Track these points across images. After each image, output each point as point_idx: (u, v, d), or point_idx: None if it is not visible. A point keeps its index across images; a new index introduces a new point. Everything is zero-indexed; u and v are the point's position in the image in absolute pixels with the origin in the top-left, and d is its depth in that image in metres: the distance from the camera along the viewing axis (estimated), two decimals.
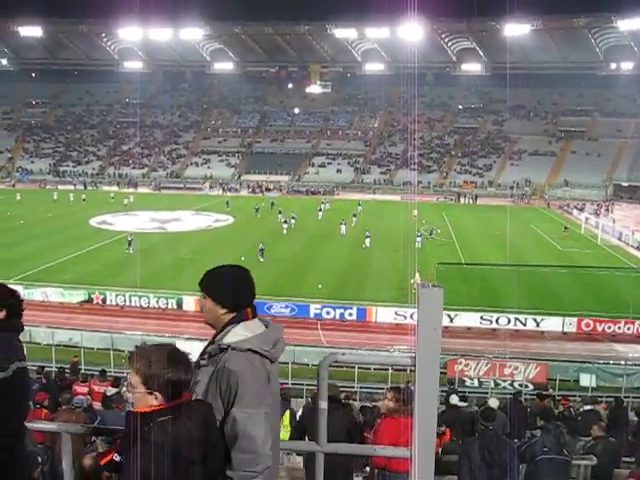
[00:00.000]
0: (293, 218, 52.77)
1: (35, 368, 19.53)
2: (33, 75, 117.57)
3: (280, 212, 57.93)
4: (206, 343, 3.45)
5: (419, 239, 45.05)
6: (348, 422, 8.53)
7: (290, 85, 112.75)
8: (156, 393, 2.88)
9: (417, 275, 35.14)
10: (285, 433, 11.57)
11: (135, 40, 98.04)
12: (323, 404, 3.46)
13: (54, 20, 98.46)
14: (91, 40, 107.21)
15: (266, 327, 3.44)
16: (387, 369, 21.78)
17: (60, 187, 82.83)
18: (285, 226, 50.05)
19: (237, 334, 3.28)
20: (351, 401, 16.05)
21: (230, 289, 3.40)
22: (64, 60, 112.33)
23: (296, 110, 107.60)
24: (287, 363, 23.97)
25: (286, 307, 31.24)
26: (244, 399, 3.11)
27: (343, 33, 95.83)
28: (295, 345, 25.48)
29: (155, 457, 2.73)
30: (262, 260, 40.75)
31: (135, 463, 2.74)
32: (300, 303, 31.62)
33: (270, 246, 43.05)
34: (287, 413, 12.00)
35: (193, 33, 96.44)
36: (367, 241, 46.02)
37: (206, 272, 3.49)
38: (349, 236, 48.83)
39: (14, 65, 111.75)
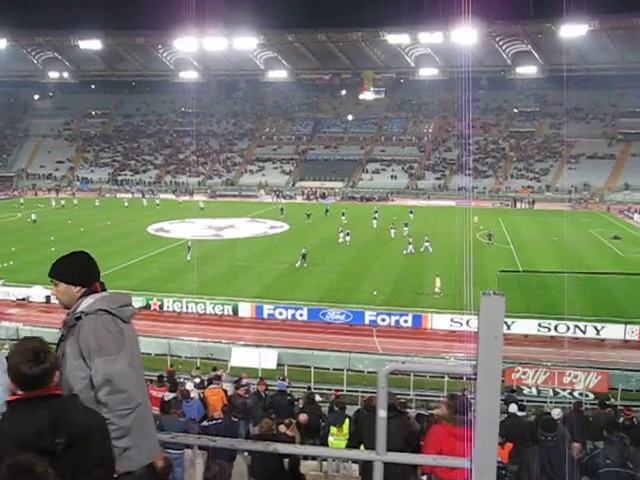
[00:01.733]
0: (346, 232, 51.78)
1: None
2: (93, 87, 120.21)
3: (343, 214, 60.34)
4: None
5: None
6: (405, 430, 8.46)
7: (343, 92, 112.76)
8: (15, 384, 3.09)
9: (437, 280, 34.97)
10: (343, 441, 11.53)
11: (190, 51, 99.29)
12: (382, 413, 3.43)
13: (112, 33, 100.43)
14: (148, 52, 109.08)
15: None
16: (443, 376, 21.56)
17: (118, 195, 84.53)
18: (342, 235, 49.73)
19: (87, 303, 3.66)
20: (407, 409, 15.91)
21: (76, 269, 3.85)
22: (122, 72, 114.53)
23: (349, 117, 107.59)
24: (342, 370, 23.94)
25: (341, 314, 31.18)
26: (103, 350, 3.45)
27: (396, 39, 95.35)
28: (350, 352, 25.44)
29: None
30: (304, 265, 40.89)
31: None
32: (355, 310, 31.54)
33: (324, 252, 43.09)
34: (347, 421, 11.96)
35: (247, 42, 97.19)
36: (425, 245, 45.91)
37: (52, 264, 3.92)
38: (404, 242, 48.45)
39: (75, 78, 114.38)
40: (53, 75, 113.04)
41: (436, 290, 34.63)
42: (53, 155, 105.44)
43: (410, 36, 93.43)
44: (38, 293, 34.96)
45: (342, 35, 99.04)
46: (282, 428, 11.24)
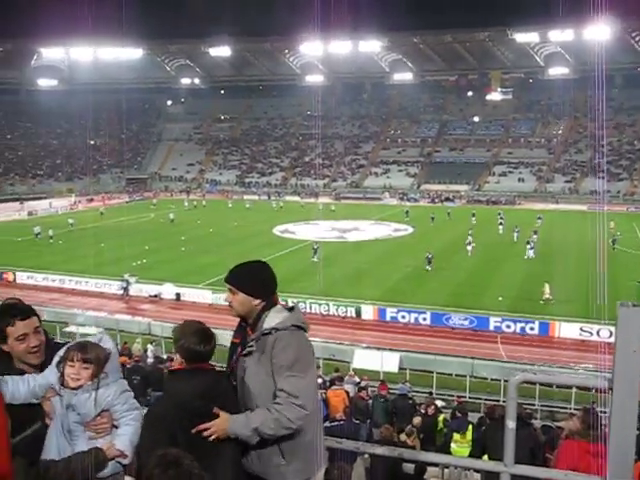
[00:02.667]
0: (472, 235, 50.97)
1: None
2: (222, 92, 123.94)
3: (473, 215, 60.58)
4: (235, 331, 4.03)
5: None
6: (531, 441, 8.25)
7: (470, 93, 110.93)
8: (178, 357, 3.68)
9: (546, 286, 33.66)
10: (466, 449, 11.35)
11: (316, 54, 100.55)
12: (511, 424, 3.34)
13: (241, 40, 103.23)
14: (275, 57, 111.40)
15: (289, 309, 3.87)
16: (571, 388, 20.79)
17: (245, 197, 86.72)
18: (470, 239, 48.91)
19: (275, 317, 3.71)
20: (532, 419, 15.45)
21: (260, 282, 3.85)
22: (250, 77, 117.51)
23: (476, 118, 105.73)
24: (465, 376, 23.55)
25: (465, 319, 30.70)
26: (295, 367, 3.53)
27: (525, 37, 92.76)
28: (473, 358, 24.99)
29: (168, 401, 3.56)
30: (429, 269, 40.54)
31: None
32: (479, 315, 30.97)
33: (449, 256, 42.56)
34: (470, 428, 11.76)
35: (372, 45, 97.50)
36: (530, 252, 44.76)
37: (232, 269, 3.93)
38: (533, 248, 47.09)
39: (205, 83, 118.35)
40: (185, 81, 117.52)
41: (546, 296, 33.63)
42: (184, 158, 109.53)
43: (539, 34, 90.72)
44: (169, 290, 36.41)
45: (468, 35, 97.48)
46: (403, 437, 11.17)
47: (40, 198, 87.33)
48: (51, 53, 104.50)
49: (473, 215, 61.88)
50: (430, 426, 13.42)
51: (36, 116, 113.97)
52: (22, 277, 41.30)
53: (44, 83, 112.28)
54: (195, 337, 3.60)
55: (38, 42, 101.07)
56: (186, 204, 76.29)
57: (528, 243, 45.40)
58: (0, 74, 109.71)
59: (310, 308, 33.36)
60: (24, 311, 3.42)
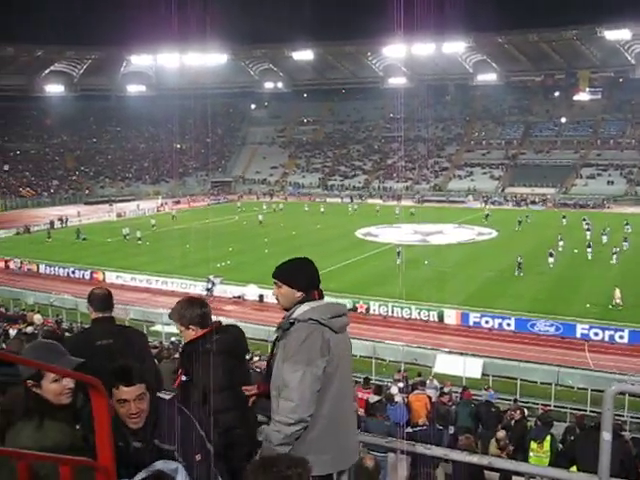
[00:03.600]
0: (561, 240, 48.85)
1: None
2: (305, 95, 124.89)
3: (564, 217, 59.75)
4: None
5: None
6: (622, 453, 7.94)
7: (556, 93, 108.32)
8: (191, 327, 4.46)
9: (617, 291, 32.43)
10: (545, 459, 11.01)
11: (399, 57, 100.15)
12: (607, 436, 3.21)
13: (324, 44, 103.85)
14: (357, 60, 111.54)
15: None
16: None
17: (328, 200, 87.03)
18: (561, 243, 47.55)
19: (301, 309, 3.94)
20: (622, 431, 14.91)
21: (301, 274, 4.14)
22: (332, 80, 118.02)
23: (563, 119, 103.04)
24: (550, 384, 22.97)
25: (551, 325, 29.93)
26: (293, 357, 3.77)
27: (615, 35, 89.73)
28: (559, 366, 24.35)
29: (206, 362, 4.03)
30: (519, 274, 39.74)
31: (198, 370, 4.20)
32: (566, 322, 30.14)
33: (534, 261, 41.63)
34: (548, 438, 11.41)
35: (455, 46, 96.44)
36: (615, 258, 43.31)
37: (277, 266, 4.22)
38: (618, 253, 45.53)
39: (288, 87, 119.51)
40: (268, 85, 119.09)
41: (616, 301, 32.55)
42: (267, 161, 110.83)
43: (631, 31, 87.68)
44: (252, 292, 36.83)
45: (555, 34, 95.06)
46: (493, 449, 10.94)
47: (128, 200, 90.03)
48: (139, 60, 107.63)
49: (564, 217, 60.78)
50: (520, 434, 13.10)
51: (125, 121, 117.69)
52: (111, 277, 42.60)
53: (133, 89, 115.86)
54: (194, 306, 4.54)
55: (127, 50, 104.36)
56: (264, 207, 76.96)
57: (614, 249, 44.02)
58: (91, 81, 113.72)
59: (392, 312, 33.23)
60: (130, 377, 3.48)
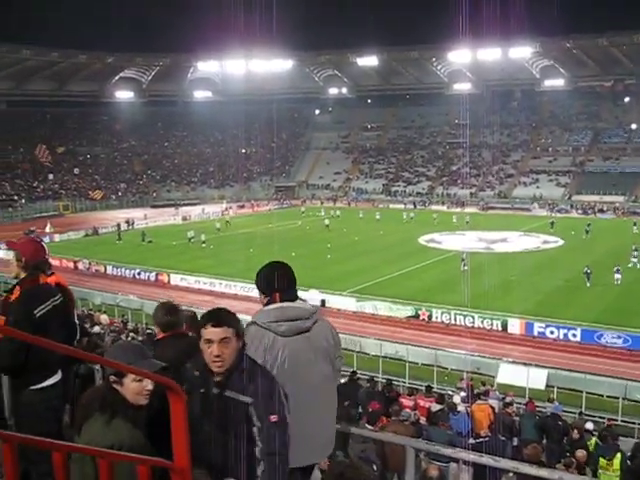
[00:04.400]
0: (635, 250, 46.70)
1: (366, 377, 20.54)
2: (369, 101, 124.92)
3: (635, 224, 58.36)
4: None
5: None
6: None
7: (626, 99, 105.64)
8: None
9: None
10: (615, 477, 10.74)
11: (464, 62, 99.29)
12: None
13: (388, 49, 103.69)
14: (422, 65, 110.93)
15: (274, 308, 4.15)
16: None
17: (391, 206, 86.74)
18: (635, 253, 46.14)
19: (256, 313, 4.13)
20: None
21: (262, 278, 4.32)
22: (397, 85, 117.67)
23: (633, 125, 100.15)
24: (617, 398, 22.38)
25: (618, 337, 29.14)
26: None
27: None
28: (627, 380, 23.70)
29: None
30: (587, 284, 38.81)
31: None
32: (635, 334, 29.30)
33: (601, 271, 40.61)
34: (618, 455, 11.11)
35: (522, 51, 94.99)
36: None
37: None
38: None
39: (352, 93, 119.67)
40: (332, 91, 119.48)
41: None
42: (331, 167, 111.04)
43: None
44: (314, 297, 36.87)
45: (626, 38, 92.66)
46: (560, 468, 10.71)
47: (194, 204, 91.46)
48: (206, 66, 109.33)
49: (635, 225, 59.52)
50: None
51: (191, 126, 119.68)
52: (176, 279, 43.30)
53: (199, 95, 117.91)
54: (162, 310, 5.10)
55: (194, 56, 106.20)
56: (322, 213, 76.85)
57: None
58: (159, 87, 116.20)
59: (455, 319, 32.88)
60: (219, 319, 3.67)
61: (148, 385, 3.41)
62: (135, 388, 3.40)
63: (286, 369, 3.93)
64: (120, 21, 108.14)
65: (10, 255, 5.42)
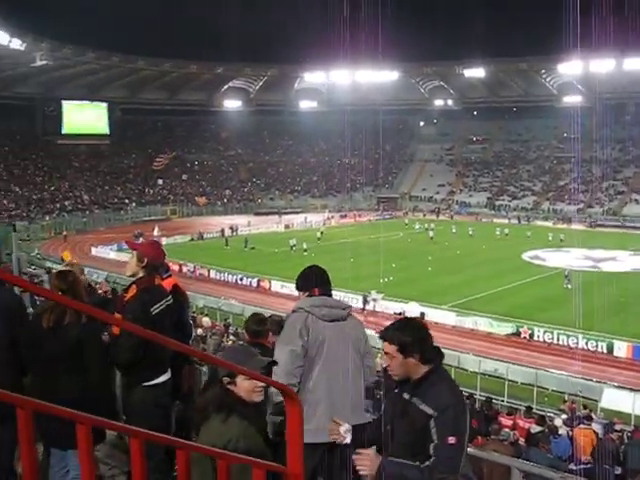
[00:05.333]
0: None
1: (465, 394, 20.21)
2: (475, 113, 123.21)
3: None
4: None
5: None
6: None
7: None
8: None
9: None
10: None
11: (575, 74, 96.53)
12: None
13: (496, 61, 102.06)
14: (530, 77, 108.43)
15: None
16: None
17: (495, 220, 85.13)
18: None
19: (299, 302, 5.03)
20: None
21: (300, 279, 5.24)
22: (503, 97, 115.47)
23: None
24: None
25: None
26: (280, 336, 4.95)
27: None
28: None
29: None
30: None
31: None
32: None
33: None
34: None
35: (638, 63, 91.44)
36: None
37: None
38: None
39: (458, 105, 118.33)
40: (438, 103, 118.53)
41: None
42: (434, 179, 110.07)
43: None
44: (413, 309, 36.64)
45: None
46: None
47: (296, 212, 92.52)
48: (312, 77, 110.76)
49: None
50: None
51: (296, 135, 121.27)
52: (277, 286, 43.86)
53: (305, 105, 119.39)
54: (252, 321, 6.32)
55: (301, 67, 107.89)
56: (417, 226, 75.70)
57: None
58: (266, 97, 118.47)
59: (557, 339, 31.97)
60: (382, 333, 3.96)
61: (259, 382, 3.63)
62: (247, 386, 3.61)
63: (324, 350, 4.67)
64: (230, 32, 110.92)
65: (128, 256, 5.72)
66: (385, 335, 3.84)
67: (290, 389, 3.24)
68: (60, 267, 8.70)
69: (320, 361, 4.61)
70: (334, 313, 4.81)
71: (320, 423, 4.33)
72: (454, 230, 72.35)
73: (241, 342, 20.24)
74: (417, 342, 3.77)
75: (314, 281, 5.04)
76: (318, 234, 65.62)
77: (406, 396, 3.79)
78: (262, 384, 3.63)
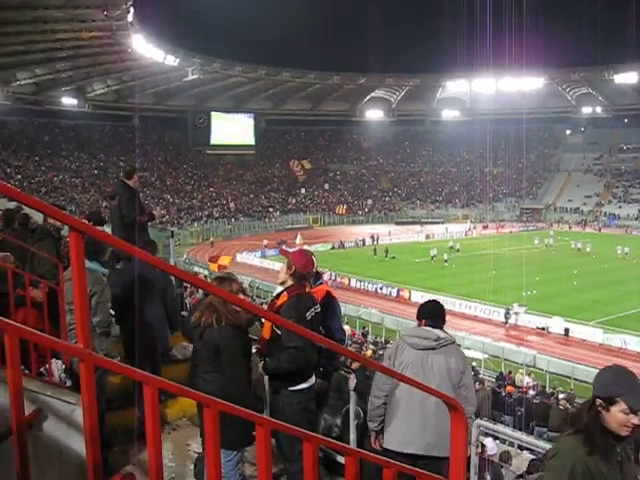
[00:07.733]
0: None
1: None
2: (625, 121, 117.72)
3: None
4: None
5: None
6: None
7: None
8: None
9: None
10: None
11: None
12: None
13: None
14: None
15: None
16: None
17: None
18: None
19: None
20: None
21: (419, 309, 5.79)
22: None
23: None
24: None
25: None
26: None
27: None
28: None
29: None
30: None
31: None
32: None
33: None
34: None
35: None
36: None
37: None
38: None
39: (607, 112, 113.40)
40: (586, 110, 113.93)
41: None
42: (581, 189, 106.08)
43: None
44: (557, 324, 35.62)
45: None
46: None
47: (437, 223, 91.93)
48: (455, 86, 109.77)
49: None
50: None
51: (438, 145, 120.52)
52: (416, 296, 43.62)
53: (447, 114, 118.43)
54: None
55: (443, 77, 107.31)
56: (536, 241, 71.21)
57: None
58: (408, 106, 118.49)
59: None
60: None
61: (635, 419, 3.28)
62: (622, 419, 3.28)
63: (406, 374, 5.00)
64: (372, 43, 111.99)
65: (272, 263, 6.17)
66: None
67: (456, 402, 3.48)
68: (219, 273, 9.38)
69: (402, 383, 5.10)
70: (423, 343, 5.36)
71: (399, 434, 5.28)
72: (573, 246, 67.20)
73: (381, 352, 20.38)
74: None
75: (425, 313, 5.63)
76: (458, 245, 64.93)
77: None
78: (637, 422, 3.25)
